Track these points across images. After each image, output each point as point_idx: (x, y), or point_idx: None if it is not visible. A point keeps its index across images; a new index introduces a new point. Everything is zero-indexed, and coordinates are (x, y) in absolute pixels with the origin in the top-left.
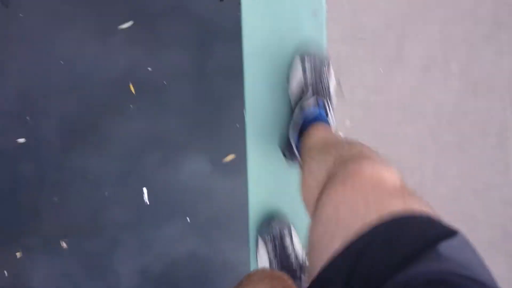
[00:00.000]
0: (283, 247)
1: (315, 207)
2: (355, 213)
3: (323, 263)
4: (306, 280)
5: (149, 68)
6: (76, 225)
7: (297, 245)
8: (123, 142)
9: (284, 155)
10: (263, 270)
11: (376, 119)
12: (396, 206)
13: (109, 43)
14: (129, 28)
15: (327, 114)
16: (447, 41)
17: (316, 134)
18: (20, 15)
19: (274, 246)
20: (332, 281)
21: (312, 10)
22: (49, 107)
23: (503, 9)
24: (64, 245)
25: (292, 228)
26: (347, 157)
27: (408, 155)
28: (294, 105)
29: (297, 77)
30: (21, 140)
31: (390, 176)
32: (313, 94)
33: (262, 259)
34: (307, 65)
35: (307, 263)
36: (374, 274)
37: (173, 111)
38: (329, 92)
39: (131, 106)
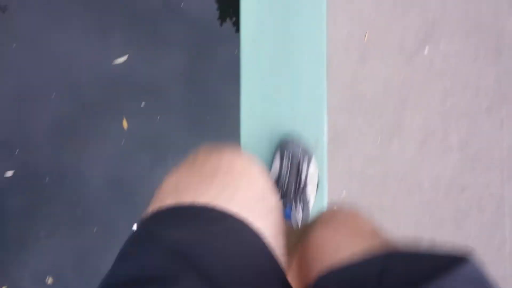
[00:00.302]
0: (297, 166)
1: (289, 258)
2: (342, 248)
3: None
4: (298, 204)
5: (143, 103)
6: (64, 261)
7: (311, 170)
8: (114, 178)
9: None
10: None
11: (373, 190)
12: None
13: (103, 77)
14: (123, 62)
15: (290, 214)
16: (447, 113)
17: None
18: (14, 45)
19: (290, 163)
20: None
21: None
22: (38, 141)
23: (506, 82)
24: (50, 281)
25: (313, 158)
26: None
27: (404, 228)
28: None
29: (273, 173)
30: (9, 173)
31: (365, 220)
32: (282, 197)
33: (274, 169)
34: (285, 163)
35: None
36: (404, 282)
37: (166, 145)
38: (302, 191)
39: (123, 141)
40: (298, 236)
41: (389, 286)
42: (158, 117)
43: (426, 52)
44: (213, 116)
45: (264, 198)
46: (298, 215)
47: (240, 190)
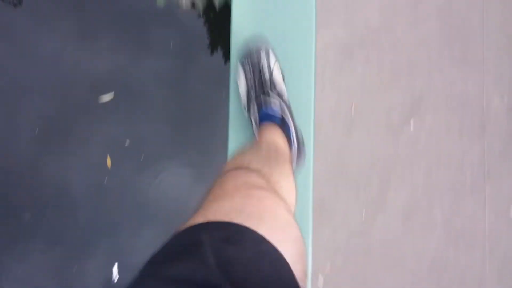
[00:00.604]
0: (257, 63)
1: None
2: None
3: None
4: (272, 95)
5: (127, 141)
6: None
7: (272, 61)
8: (96, 217)
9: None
10: (237, 175)
11: (357, 263)
12: None
13: (88, 114)
14: (109, 100)
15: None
16: (431, 188)
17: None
18: None
19: (250, 65)
20: None
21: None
22: (19, 177)
23: (490, 159)
24: None
25: (270, 49)
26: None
27: None
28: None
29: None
30: None
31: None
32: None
33: (241, 81)
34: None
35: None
36: None
37: (149, 184)
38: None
39: (106, 179)
40: None
41: None
42: (142, 155)
43: (411, 126)
44: (201, 161)
45: (288, 228)
46: (276, 106)
47: (275, 222)
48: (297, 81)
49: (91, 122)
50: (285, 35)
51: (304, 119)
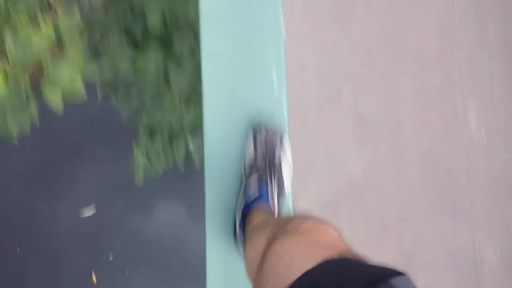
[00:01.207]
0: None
1: (259, 265)
2: (294, 264)
3: None
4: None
5: (111, 256)
6: None
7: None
8: None
9: (235, 239)
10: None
11: None
12: (332, 256)
13: (70, 231)
14: (91, 215)
15: (268, 192)
16: None
17: (257, 215)
18: None
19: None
20: None
21: None
22: None
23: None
24: None
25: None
26: (287, 222)
27: None
28: (244, 181)
29: (249, 152)
30: None
31: (327, 230)
32: (258, 172)
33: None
34: (259, 139)
35: None
36: None
37: None
38: (279, 167)
39: None
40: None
41: None
42: (127, 270)
43: None
44: (180, 267)
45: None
46: (274, 192)
47: None
48: None
49: (76, 268)
50: None
51: None
